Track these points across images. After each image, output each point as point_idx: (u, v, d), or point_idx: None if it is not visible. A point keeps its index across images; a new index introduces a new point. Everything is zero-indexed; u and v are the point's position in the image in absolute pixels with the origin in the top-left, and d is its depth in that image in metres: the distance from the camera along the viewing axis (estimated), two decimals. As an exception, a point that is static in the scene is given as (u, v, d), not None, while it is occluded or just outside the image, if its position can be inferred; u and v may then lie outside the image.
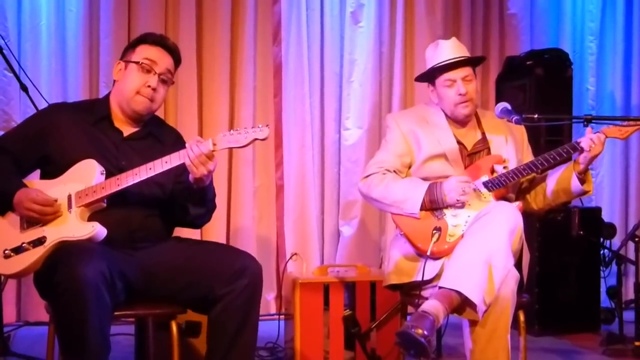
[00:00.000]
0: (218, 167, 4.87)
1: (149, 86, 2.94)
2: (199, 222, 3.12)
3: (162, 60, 2.99)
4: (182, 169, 2.80)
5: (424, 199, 3.16)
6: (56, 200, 2.76)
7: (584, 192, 3.26)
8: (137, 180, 2.76)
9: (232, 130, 2.78)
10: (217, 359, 2.80)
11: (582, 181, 3.19)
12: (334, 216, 5.34)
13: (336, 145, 5.34)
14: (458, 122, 3.37)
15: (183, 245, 3.01)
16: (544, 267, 4.66)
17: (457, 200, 3.13)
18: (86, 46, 4.86)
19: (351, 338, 3.85)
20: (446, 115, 3.37)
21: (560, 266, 4.73)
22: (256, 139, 2.75)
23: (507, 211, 2.99)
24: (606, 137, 3.13)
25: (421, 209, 3.17)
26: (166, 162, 2.77)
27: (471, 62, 3.36)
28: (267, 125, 2.77)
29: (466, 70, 3.31)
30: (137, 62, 2.95)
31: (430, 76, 3.39)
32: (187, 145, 2.76)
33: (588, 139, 3.09)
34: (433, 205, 3.17)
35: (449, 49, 3.33)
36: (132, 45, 3.03)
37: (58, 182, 2.83)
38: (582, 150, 3.13)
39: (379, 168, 3.33)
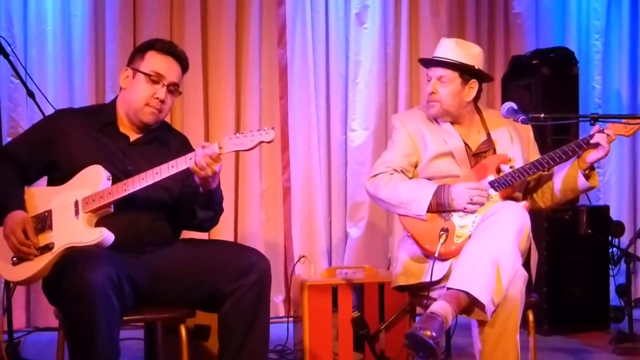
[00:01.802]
0: (225, 170, 4.90)
1: (157, 98, 2.95)
2: (206, 226, 3.13)
3: (170, 71, 2.98)
4: (188, 173, 2.80)
5: (431, 201, 3.16)
6: (37, 245, 2.74)
7: (590, 188, 3.26)
8: (143, 184, 2.77)
9: (237, 134, 2.78)
10: (229, 356, 2.81)
11: (587, 177, 3.19)
12: (342, 218, 5.34)
13: (342, 147, 5.34)
14: (458, 121, 3.37)
15: (189, 245, 3.01)
16: (552, 266, 4.65)
17: (465, 208, 3.12)
18: (92, 51, 4.87)
19: (360, 340, 3.85)
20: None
21: (568, 265, 4.72)
22: (262, 142, 2.74)
23: (514, 211, 2.99)
24: (615, 135, 3.13)
25: (428, 211, 3.16)
26: (172, 167, 2.77)
27: (450, 66, 3.31)
28: (272, 128, 2.76)
29: (443, 71, 3.30)
30: (145, 74, 2.95)
31: None
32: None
33: (606, 135, 3.08)
34: (440, 208, 3.16)
35: (441, 47, 3.35)
36: (140, 51, 3.02)
37: (65, 189, 2.84)
38: (587, 148, 3.13)
39: (386, 168, 3.32)
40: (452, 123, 3.36)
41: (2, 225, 2.78)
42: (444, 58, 3.30)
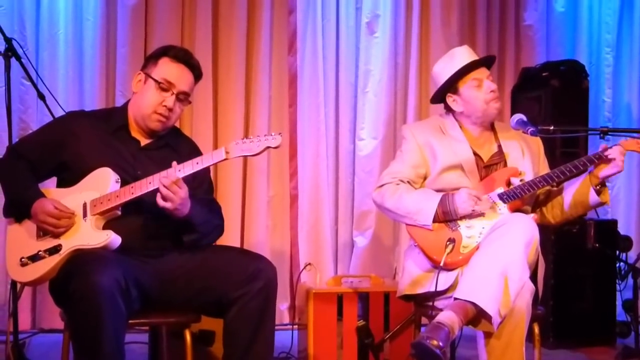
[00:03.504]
0: (232, 177, 4.98)
1: (165, 106, 2.95)
2: (202, 243, 3.00)
3: (181, 80, 2.99)
4: (194, 178, 2.82)
5: (437, 210, 3.16)
6: (74, 212, 2.78)
7: (601, 204, 3.26)
8: (150, 188, 2.77)
9: (244, 139, 2.78)
10: None
11: (598, 193, 3.18)
12: (348, 226, 5.33)
13: (351, 156, 5.34)
14: (476, 130, 3.36)
15: (197, 250, 2.99)
16: (559, 280, 4.63)
17: (473, 211, 3.12)
18: (103, 55, 4.89)
19: (365, 349, 3.84)
20: (461, 126, 3.37)
21: (575, 279, 4.70)
22: (269, 147, 2.76)
23: (524, 223, 2.98)
24: (626, 150, 3.13)
25: (434, 221, 3.16)
26: (179, 171, 2.77)
27: (488, 63, 3.42)
28: (279, 134, 2.78)
29: (487, 71, 3.35)
30: (156, 81, 2.96)
31: (451, 86, 3.38)
32: (156, 175, 2.76)
33: (618, 151, 3.08)
34: (446, 217, 3.16)
35: (466, 54, 3.36)
36: (154, 57, 3.04)
37: (74, 191, 2.86)
38: (598, 163, 3.12)
39: (392, 178, 3.32)
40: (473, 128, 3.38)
41: (32, 217, 2.81)
42: (483, 57, 3.39)
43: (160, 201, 2.73)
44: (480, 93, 3.31)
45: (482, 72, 3.33)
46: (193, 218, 2.87)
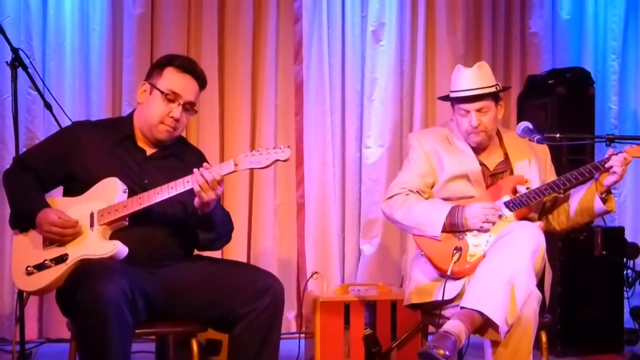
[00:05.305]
0: (239, 186, 4.97)
1: (172, 117, 2.96)
2: (212, 247, 3.09)
3: (187, 90, 3.00)
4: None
5: (444, 221, 3.16)
6: (77, 222, 2.79)
7: (607, 212, 3.25)
8: (158, 199, 2.78)
9: (253, 151, 2.79)
10: None
11: (604, 201, 3.18)
12: (355, 235, 5.32)
13: (357, 164, 5.33)
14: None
15: (205, 263, 3.01)
16: (566, 287, 4.61)
17: (481, 227, 3.11)
18: (109, 65, 4.90)
19: (372, 357, 3.84)
20: None
21: (582, 286, 4.68)
22: (277, 160, 2.76)
23: (530, 231, 2.98)
24: (632, 157, 3.11)
25: (442, 231, 3.16)
26: (187, 182, 2.78)
27: (488, 94, 3.29)
28: (288, 146, 2.78)
29: (481, 103, 3.27)
30: (162, 92, 2.96)
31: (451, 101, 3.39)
32: (194, 171, 2.77)
33: (622, 158, 3.07)
34: (453, 228, 3.16)
35: (467, 79, 3.28)
36: (159, 66, 3.04)
37: (81, 200, 2.86)
38: (604, 170, 3.12)
39: (401, 189, 3.32)
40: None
41: (37, 228, 2.81)
42: (476, 89, 3.26)
43: (199, 192, 2.76)
44: (464, 122, 3.31)
45: (471, 105, 3.27)
46: (214, 216, 2.90)
